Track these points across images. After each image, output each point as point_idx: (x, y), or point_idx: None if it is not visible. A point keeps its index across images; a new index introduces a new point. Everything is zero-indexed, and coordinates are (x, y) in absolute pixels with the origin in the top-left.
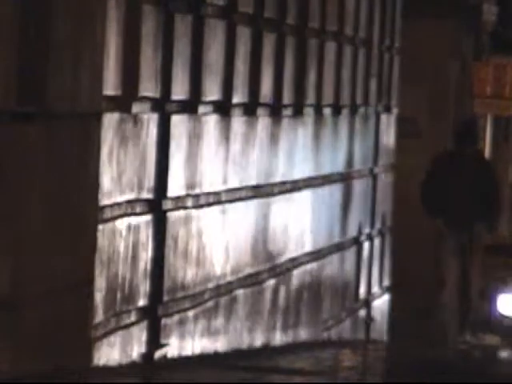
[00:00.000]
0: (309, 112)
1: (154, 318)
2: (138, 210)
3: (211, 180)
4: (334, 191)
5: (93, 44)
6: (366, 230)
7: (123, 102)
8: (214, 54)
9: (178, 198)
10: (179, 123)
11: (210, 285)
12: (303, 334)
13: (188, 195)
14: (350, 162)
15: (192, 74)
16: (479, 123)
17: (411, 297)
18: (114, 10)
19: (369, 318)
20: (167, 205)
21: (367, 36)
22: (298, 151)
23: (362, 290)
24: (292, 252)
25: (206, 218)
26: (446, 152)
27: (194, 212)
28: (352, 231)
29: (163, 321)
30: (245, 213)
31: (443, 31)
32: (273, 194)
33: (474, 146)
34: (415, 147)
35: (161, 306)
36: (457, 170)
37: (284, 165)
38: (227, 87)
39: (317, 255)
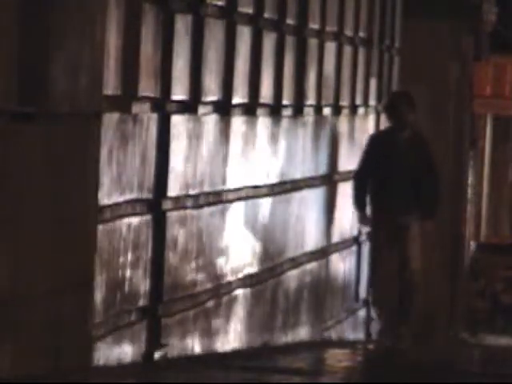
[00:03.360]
0: (309, 112)
1: (154, 317)
2: (137, 210)
3: (211, 180)
4: (334, 191)
5: (93, 44)
6: (366, 230)
7: (123, 102)
8: (214, 54)
9: (177, 198)
10: (179, 123)
11: (210, 285)
12: (303, 333)
13: (188, 195)
14: (350, 161)
15: (192, 74)
16: (412, 97)
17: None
18: (114, 9)
19: (369, 318)
20: (167, 205)
21: (367, 36)
22: (298, 151)
23: (362, 289)
24: (292, 252)
25: (206, 218)
26: (379, 132)
27: (193, 212)
28: (352, 231)
29: (163, 321)
30: (245, 213)
31: (443, 31)
32: (273, 194)
33: (403, 120)
34: None
35: (161, 305)
36: (391, 152)
37: (284, 165)
38: (227, 87)
39: (317, 255)
